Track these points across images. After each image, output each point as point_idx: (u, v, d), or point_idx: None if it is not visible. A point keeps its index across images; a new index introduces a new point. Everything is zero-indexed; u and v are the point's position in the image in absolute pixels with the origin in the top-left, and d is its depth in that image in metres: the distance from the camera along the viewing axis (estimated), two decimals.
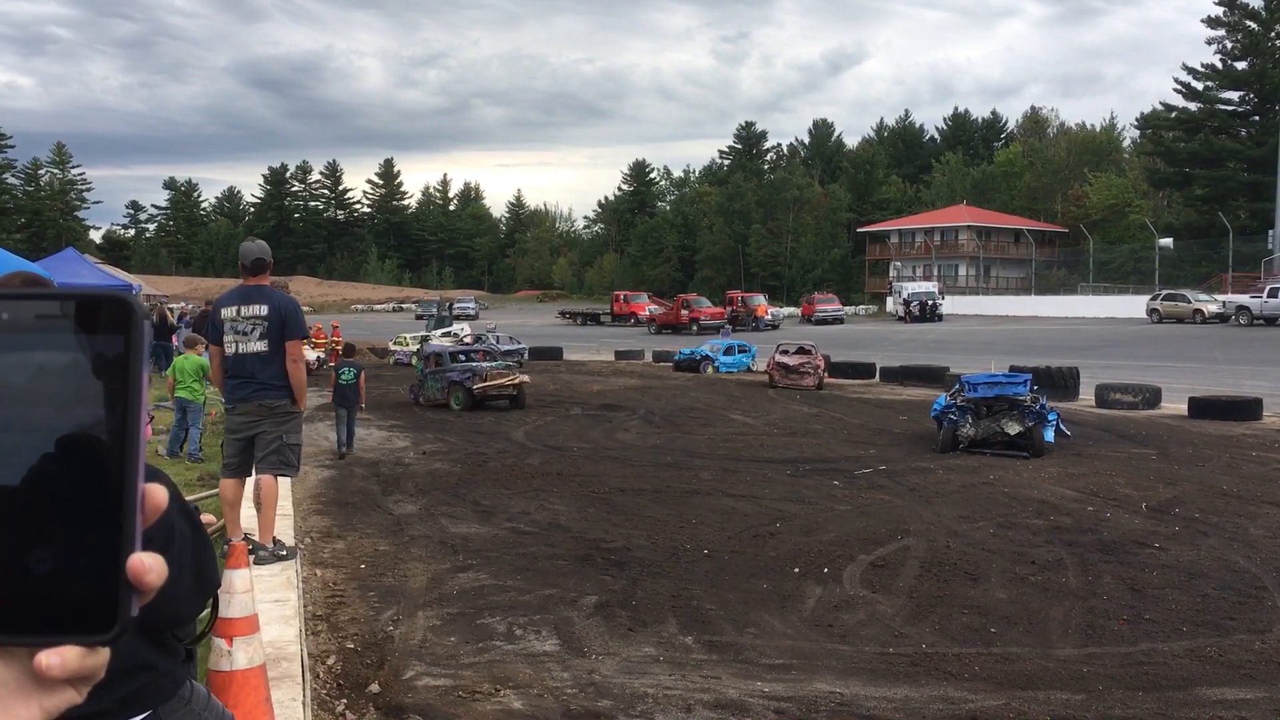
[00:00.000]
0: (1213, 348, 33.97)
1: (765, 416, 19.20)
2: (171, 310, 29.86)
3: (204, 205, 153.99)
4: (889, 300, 70.39)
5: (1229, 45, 68.27)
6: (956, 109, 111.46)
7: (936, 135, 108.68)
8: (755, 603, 7.70)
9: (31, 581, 0.58)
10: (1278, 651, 6.49)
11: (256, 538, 7.16)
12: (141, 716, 2.56)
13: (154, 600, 2.13)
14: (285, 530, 7.99)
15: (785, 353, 25.57)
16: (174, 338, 21.01)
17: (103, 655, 0.59)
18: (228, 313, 7.22)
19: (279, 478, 7.23)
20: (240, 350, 7.17)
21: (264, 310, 7.16)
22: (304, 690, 5.29)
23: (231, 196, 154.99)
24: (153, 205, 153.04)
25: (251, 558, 6.99)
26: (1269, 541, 9.24)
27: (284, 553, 7.19)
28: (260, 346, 7.14)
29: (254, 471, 7.24)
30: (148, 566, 0.58)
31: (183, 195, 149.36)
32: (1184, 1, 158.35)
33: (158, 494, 0.60)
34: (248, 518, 7.42)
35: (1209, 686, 5.97)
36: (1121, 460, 13.71)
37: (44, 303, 0.59)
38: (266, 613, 5.90)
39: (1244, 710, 5.60)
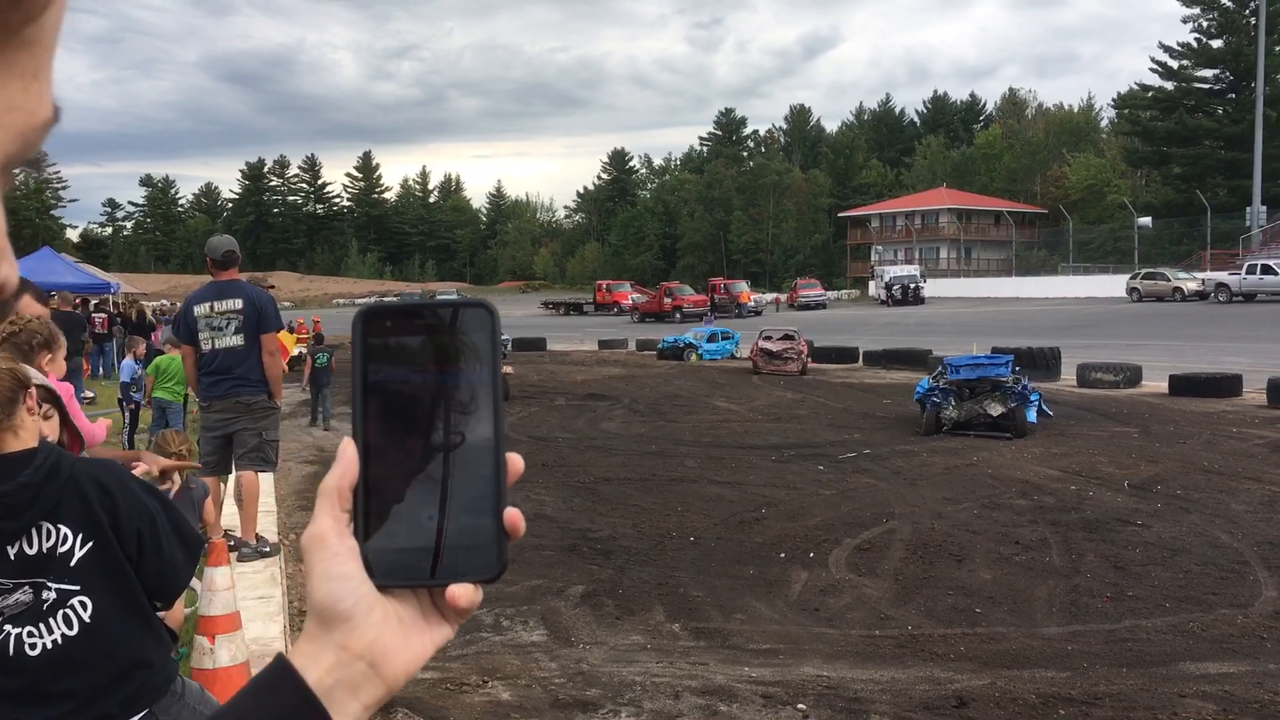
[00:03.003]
0: (1193, 325, 34.16)
1: (749, 403, 19.22)
2: (149, 308, 29.63)
3: (181, 202, 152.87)
4: (871, 284, 70.54)
5: (1204, 24, 68.45)
6: (936, 91, 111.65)
7: (916, 118, 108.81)
8: (742, 589, 7.72)
9: (425, 535, 0.70)
10: (1260, 625, 6.54)
11: (239, 534, 7.12)
12: (139, 716, 2.56)
13: (157, 577, 2.16)
14: (268, 526, 7.95)
15: (768, 339, 25.58)
16: (154, 335, 20.87)
17: (480, 595, 0.71)
18: (201, 309, 7.15)
19: (259, 474, 7.19)
20: (216, 346, 7.11)
21: (239, 304, 7.10)
22: None
23: (209, 192, 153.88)
24: (129, 202, 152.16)
25: (234, 555, 6.96)
26: (1250, 517, 9.30)
27: (267, 549, 7.16)
28: (236, 341, 7.08)
29: (233, 468, 7.19)
30: (519, 517, 0.71)
31: (160, 192, 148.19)
32: None
33: (517, 461, 0.73)
34: (229, 515, 7.38)
35: (1192, 661, 6.01)
36: (1103, 439, 13.78)
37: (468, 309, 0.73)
38: (250, 609, 5.87)
39: (1227, 684, 5.64)
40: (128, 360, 13.49)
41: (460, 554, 0.70)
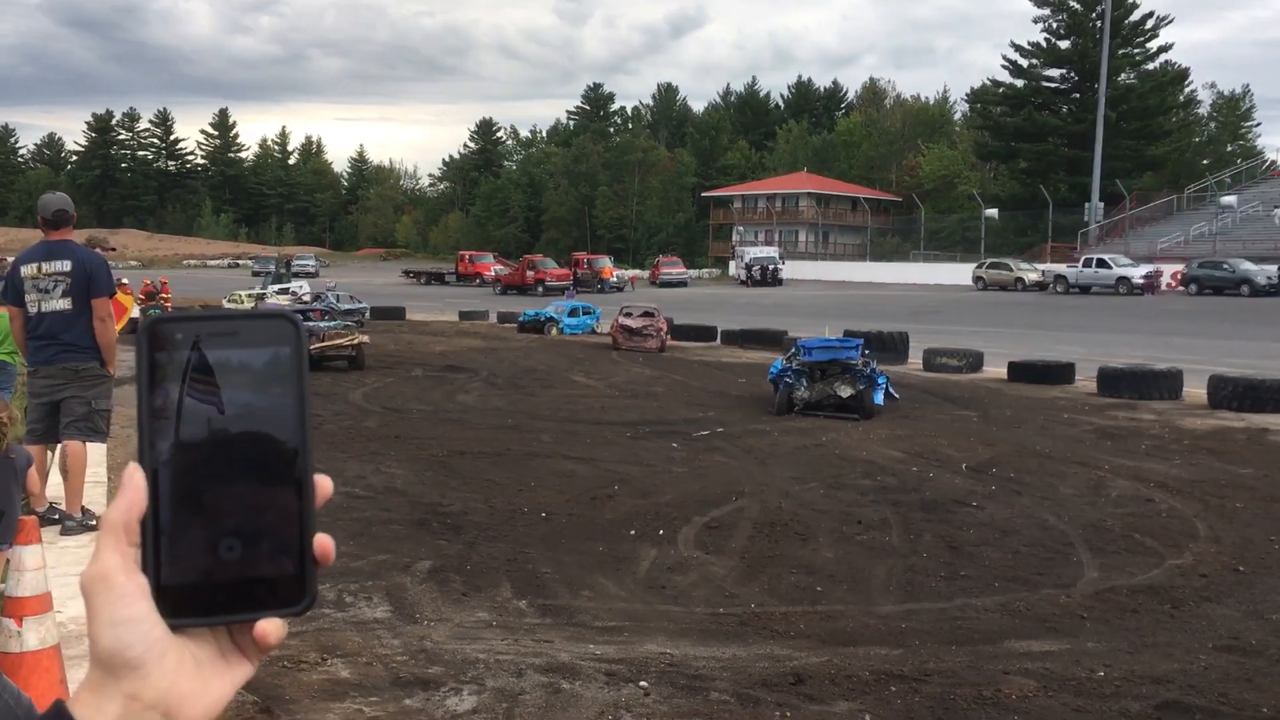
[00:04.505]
0: (1032, 314, 35.71)
1: (607, 379, 19.28)
2: None
3: (22, 152, 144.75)
4: (732, 264, 71.50)
5: (1054, 24, 71.38)
6: (800, 78, 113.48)
7: (781, 102, 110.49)
8: (590, 565, 7.73)
9: (225, 567, 0.66)
10: (1080, 605, 6.87)
11: (64, 507, 6.79)
12: None
13: None
14: (98, 499, 7.59)
15: (629, 315, 25.67)
16: None
17: (286, 628, 0.68)
18: (28, 270, 6.76)
19: (88, 444, 6.86)
20: (42, 309, 6.73)
21: (67, 266, 6.73)
22: None
23: (52, 143, 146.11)
24: None
25: (58, 528, 6.63)
26: (1077, 500, 9.77)
27: (94, 522, 6.82)
28: (63, 305, 6.71)
29: (60, 438, 6.84)
30: (329, 543, 0.69)
31: None
32: None
33: (325, 483, 0.70)
34: (55, 485, 7.03)
35: (1017, 639, 6.29)
36: (945, 422, 14.28)
37: (249, 321, 0.69)
38: (71, 587, 5.59)
39: (1048, 661, 5.92)
40: None
41: (265, 586, 0.67)
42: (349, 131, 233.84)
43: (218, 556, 0.66)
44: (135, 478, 0.65)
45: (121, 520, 0.65)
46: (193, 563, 0.66)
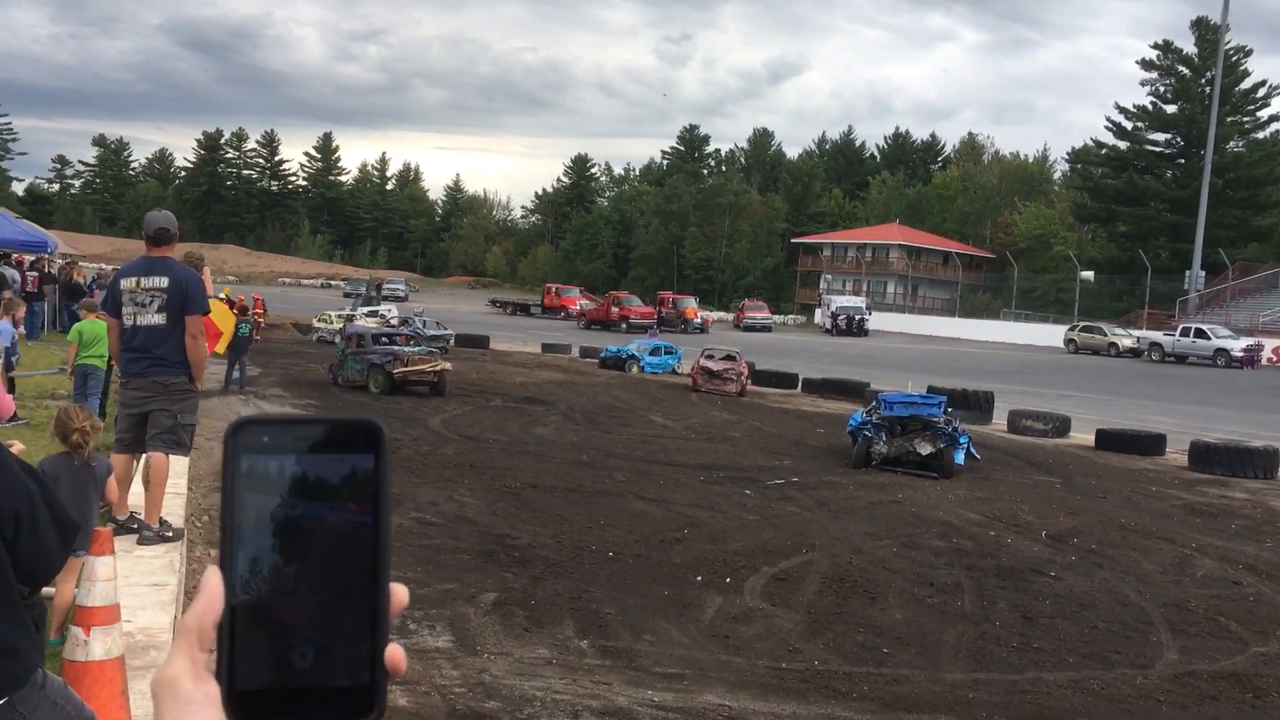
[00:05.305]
0: (1124, 381, 34.79)
1: (685, 420, 19.22)
2: (84, 270, 28.91)
3: (134, 166, 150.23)
4: (818, 312, 71.00)
5: (1160, 88, 70.02)
6: (897, 128, 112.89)
7: (877, 153, 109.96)
8: (655, 609, 7.68)
9: (298, 675, 0.65)
10: (1158, 688, 6.62)
11: (143, 517, 6.94)
12: None
13: (30, 561, 2.06)
14: (177, 509, 7.75)
15: (710, 357, 25.63)
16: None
17: None
18: (127, 283, 6.98)
19: (170, 455, 7.02)
20: (137, 323, 6.94)
21: (164, 283, 6.93)
22: None
23: (163, 158, 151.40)
24: (80, 161, 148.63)
25: (136, 537, 6.78)
26: (1160, 577, 9.44)
27: (170, 534, 6.96)
28: (158, 320, 6.91)
29: (145, 448, 7.01)
30: (400, 655, 0.67)
31: (112, 153, 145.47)
32: (1113, 40, 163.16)
33: (401, 592, 0.69)
34: (136, 494, 7.19)
35: (1089, 719, 6.06)
36: (1027, 487, 13.94)
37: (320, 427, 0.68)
38: (142, 597, 5.71)
39: None
40: (4, 324, 12.64)
41: (335, 696, 0.66)
42: (446, 160, 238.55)
43: (291, 664, 0.65)
44: (212, 582, 0.65)
45: (196, 624, 0.65)
46: (265, 669, 0.65)
